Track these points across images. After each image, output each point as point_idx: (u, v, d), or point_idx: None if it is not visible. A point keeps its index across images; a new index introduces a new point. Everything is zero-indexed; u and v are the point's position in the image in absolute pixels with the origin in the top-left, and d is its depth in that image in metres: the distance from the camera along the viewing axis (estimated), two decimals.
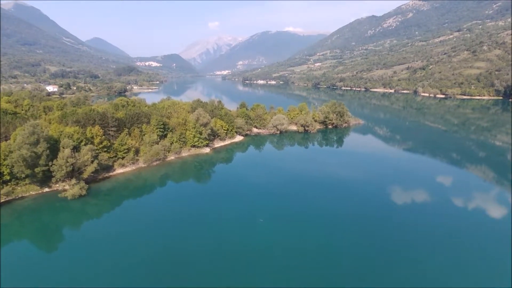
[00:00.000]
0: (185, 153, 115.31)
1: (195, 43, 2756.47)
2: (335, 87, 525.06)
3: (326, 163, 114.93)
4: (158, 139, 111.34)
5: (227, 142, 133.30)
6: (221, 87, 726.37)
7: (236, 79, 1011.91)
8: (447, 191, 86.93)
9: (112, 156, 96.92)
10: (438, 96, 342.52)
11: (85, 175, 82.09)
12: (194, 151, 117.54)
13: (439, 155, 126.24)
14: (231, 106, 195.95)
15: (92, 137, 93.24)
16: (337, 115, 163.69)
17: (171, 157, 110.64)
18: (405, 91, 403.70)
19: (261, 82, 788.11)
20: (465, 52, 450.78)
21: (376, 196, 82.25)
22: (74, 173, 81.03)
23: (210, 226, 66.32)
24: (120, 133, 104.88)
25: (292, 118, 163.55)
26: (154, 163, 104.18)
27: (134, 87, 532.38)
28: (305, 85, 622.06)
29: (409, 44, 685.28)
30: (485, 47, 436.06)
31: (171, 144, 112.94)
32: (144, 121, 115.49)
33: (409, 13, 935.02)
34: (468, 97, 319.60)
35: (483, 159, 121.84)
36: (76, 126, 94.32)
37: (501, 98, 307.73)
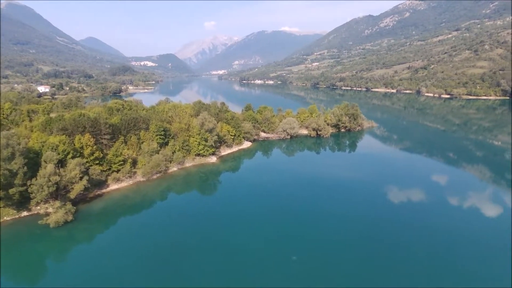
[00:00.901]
0: (189, 163, 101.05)
1: (191, 43, 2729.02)
2: (335, 87, 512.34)
3: (343, 170, 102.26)
4: (159, 148, 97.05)
5: (235, 149, 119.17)
6: (218, 87, 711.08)
7: (233, 79, 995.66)
8: (451, 190, 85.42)
9: (105, 169, 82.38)
10: (443, 96, 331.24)
11: (72, 195, 67.57)
12: (199, 160, 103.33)
13: (452, 158, 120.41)
14: (233, 108, 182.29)
15: (82, 148, 78.68)
16: (350, 117, 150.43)
17: (174, 169, 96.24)
18: (407, 91, 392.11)
19: (258, 82, 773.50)
20: (466, 51, 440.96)
21: (386, 199, 79.58)
22: (59, 192, 66.55)
23: (219, 253, 53.14)
24: (114, 142, 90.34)
25: (302, 121, 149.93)
26: (154, 176, 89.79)
27: (130, 87, 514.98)
28: (304, 85, 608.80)
29: (408, 43, 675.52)
30: (486, 46, 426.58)
31: (173, 153, 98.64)
32: (142, 127, 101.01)
33: (406, 12, 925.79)
34: (474, 97, 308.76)
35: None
36: (63, 134, 79.64)
37: (508, 98, 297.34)
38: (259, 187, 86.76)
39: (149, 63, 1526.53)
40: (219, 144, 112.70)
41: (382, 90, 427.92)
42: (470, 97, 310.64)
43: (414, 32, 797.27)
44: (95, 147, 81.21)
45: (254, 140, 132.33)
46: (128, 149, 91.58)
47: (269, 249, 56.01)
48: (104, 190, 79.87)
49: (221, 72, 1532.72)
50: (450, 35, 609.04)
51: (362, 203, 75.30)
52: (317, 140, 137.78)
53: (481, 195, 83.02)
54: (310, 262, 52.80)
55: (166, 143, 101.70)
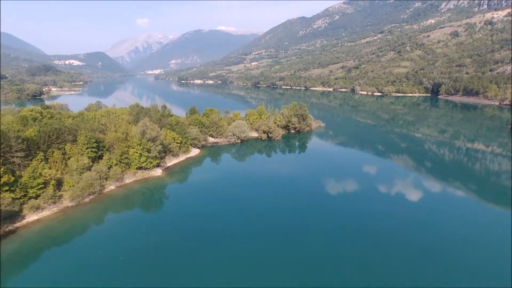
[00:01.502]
0: (129, 179, 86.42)
1: (122, 41, 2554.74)
2: (275, 86, 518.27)
3: (299, 172, 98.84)
4: (91, 163, 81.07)
5: (182, 158, 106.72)
6: (156, 87, 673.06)
7: (171, 79, 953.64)
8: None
9: (19, 197, 64.88)
10: (375, 94, 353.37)
11: None
12: (141, 174, 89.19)
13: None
14: (176, 111, 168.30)
15: None
16: (299, 118, 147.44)
17: (111, 187, 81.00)
18: (343, 90, 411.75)
19: (198, 81, 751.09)
20: (391, 52, 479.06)
21: (326, 191, 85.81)
22: None
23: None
24: (31, 160, 72.57)
25: (251, 124, 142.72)
26: (87, 199, 74.03)
27: (53, 89, 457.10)
28: (245, 84, 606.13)
29: (339, 44, 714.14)
30: (408, 48, 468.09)
31: (109, 168, 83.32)
32: (68, 139, 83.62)
33: (336, 15, 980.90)
34: (402, 94, 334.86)
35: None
36: None
37: (429, 95, 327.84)
38: (213, 201, 76.72)
39: (76, 62, 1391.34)
40: (163, 154, 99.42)
41: (320, 88, 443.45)
42: (399, 94, 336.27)
43: (344, 34, 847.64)
44: (2, 169, 63.30)
45: (202, 147, 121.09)
46: (50, 168, 74.41)
47: (227, 272, 46.98)
48: (18, 224, 62.49)
49: (157, 71, 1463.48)
50: (375, 37, 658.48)
51: (322, 202, 77.97)
52: (269, 143, 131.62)
53: (404, 181, 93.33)
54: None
55: (100, 157, 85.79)
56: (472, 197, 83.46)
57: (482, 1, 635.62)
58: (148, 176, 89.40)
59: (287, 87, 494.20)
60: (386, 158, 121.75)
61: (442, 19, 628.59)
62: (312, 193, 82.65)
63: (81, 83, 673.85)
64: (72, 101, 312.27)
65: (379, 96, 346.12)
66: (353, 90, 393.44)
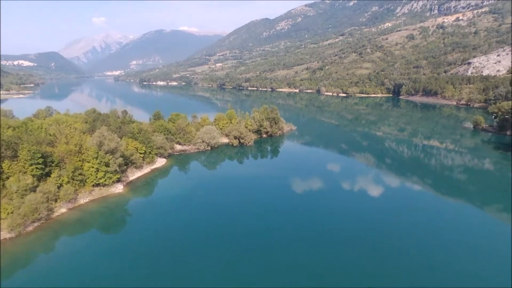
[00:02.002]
0: (84, 199, 74.57)
1: (78, 40, 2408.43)
2: (241, 88, 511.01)
3: (277, 181, 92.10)
4: (36, 183, 68.60)
5: (146, 170, 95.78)
6: (116, 89, 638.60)
7: (132, 80, 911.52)
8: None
9: None
10: (340, 95, 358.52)
11: None
12: (99, 192, 77.56)
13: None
14: (138, 116, 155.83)
15: None
16: (271, 122, 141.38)
17: (62, 210, 68.90)
18: (309, 91, 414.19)
19: (161, 83, 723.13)
20: (353, 54, 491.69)
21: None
22: None
23: None
24: None
25: (221, 129, 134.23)
26: (31, 227, 61.63)
27: None
28: (210, 85, 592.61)
29: (303, 46, 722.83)
30: (368, 50, 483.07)
31: (59, 187, 71.21)
32: (6, 155, 70.30)
33: (298, 17, 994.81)
34: (366, 95, 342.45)
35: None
36: None
37: (391, 95, 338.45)
38: (182, 217, 67.98)
39: (26, 63, 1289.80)
40: (125, 167, 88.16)
41: (286, 90, 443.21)
42: (362, 95, 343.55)
43: (306, 36, 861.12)
44: None
45: (169, 156, 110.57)
46: None
47: None
48: None
49: (117, 72, 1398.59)
50: (337, 39, 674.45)
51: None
52: (241, 149, 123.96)
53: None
54: None
55: (48, 174, 73.30)
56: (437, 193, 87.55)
57: (433, 6, 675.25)
58: (107, 193, 77.97)
59: (253, 88, 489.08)
60: (355, 159, 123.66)
61: (398, 22, 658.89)
62: (289, 197, 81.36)
63: (32, 85, 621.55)
64: (20, 106, 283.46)
65: (344, 97, 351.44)
66: (318, 91, 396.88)
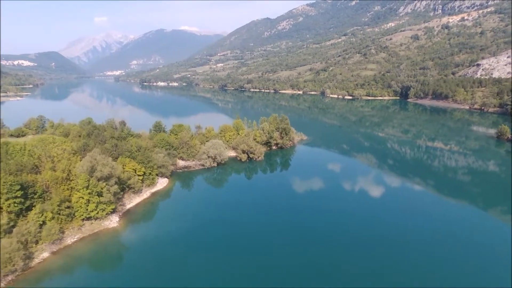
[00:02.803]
0: (72, 237, 62.28)
1: (79, 40, 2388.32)
2: (243, 89, 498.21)
3: (294, 203, 79.20)
4: (13, 222, 56.57)
5: (146, 194, 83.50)
6: (116, 90, 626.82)
7: (132, 81, 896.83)
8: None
9: None
10: (346, 97, 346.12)
11: None
12: (90, 227, 65.41)
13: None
14: (138, 123, 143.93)
15: None
16: (281, 133, 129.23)
17: (44, 254, 56.55)
18: (313, 92, 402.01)
19: (161, 84, 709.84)
20: (357, 54, 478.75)
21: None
22: None
23: None
24: None
25: (228, 141, 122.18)
26: (2, 283, 49.76)
27: None
28: (211, 86, 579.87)
29: (305, 46, 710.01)
30: (373, 51, 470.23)
31: (41, 225, 59.13)
32: None
33: (300, 17, 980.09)
34: (372, 98, 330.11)
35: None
36: None
37: (398, 98, 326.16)
38: (192, 258, 56.05)
39: (26, 63, 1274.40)
40: (121, 193, 76.18)
41: (289, 91, 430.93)
42: (369, 98, 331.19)
43: (308, 36, 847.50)
44: None
45: (171, 174, 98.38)
46: None
47: None
48: None
49: (117, 72, 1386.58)
50: (340, 39, 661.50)
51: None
52: (250, 165, 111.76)
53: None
54: None
55: (29, 208, 61.30)
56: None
57: (437, 6, 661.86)
58: (99, 229, 65.81)
59: (256, 90, 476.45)
60: (380, 177, 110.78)
61: (401, 22, 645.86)
62: (308, 225, 71.73)
63: (31, 86, 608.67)
64: (15, 109, 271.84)
65: (350, 99, 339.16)
66: (323, 93, 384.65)
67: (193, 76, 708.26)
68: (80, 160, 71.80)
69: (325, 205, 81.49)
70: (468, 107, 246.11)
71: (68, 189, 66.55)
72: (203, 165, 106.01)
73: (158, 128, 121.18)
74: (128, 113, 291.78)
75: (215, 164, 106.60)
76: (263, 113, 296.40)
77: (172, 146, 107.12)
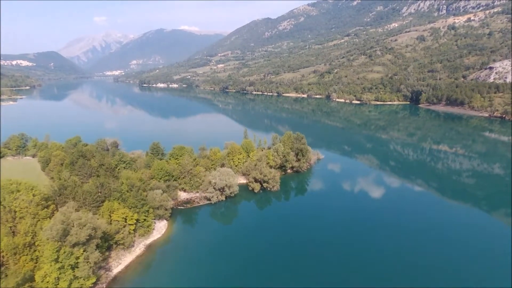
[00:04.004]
0: None
1: (78, 39, 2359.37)
2: (245, 92, 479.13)
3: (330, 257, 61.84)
4: None
5: (139, 249, 65.09)
6: (115, 92, 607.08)
7: (131, 81, 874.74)
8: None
9: None
10: (354, 102, 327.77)
11: None
12: None
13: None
14: (133, 142, 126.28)
15: None
16: (297, 154, 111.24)
17: None
18: (318, 96, 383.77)
19: (161, 85, 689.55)
20: (362, 56, 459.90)
21: None
22: None
23: None
24: None
25: (237, 166, 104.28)
26: None
27: None
28: (212, 88, 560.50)
29: (306, 47, 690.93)
30: (378, 52, 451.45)
31: None
32: None
33: (301, 17, 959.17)
34: (381, 102, 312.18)
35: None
36: None
37: (408, 103, 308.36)
38: None
39: (25, 63, 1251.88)
40: (108, 253, 58.22)
41: (293, 95, 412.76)
42: (378, 102, 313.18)
43: (309, 36, 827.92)
44: None
45: (171, 213, 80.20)
46: None
47: None
48: None
49: (117, 72, 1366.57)
50: (342, 40, 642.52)
51: None
52: (264, 196, 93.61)
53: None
54: None
55: None
56: None
57: (441, 6, 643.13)
58: None
59: (258, 92, 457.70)
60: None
61: (405, 23, 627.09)
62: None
63: (27, 87, 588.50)
64: (5, 116, 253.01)
65: (358, 104, 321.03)
66: (328, 97, 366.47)
67: (193, 77, 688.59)
68: (52, 215, 53.76)
69: (358, 251, 64.43)
70: (487, 115, 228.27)
71: (32, 259, 48.63)
72: (209, 200, 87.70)
73: (155, 150, 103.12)
74: (124, 121, 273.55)
75: (223, 198, 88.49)
76: (270, 120, 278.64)
77: (172, 176, 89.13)
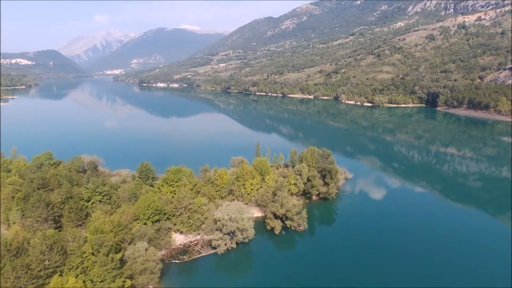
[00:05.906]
0: None
1: (79, 38, 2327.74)
2: (248, 92, 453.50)
3: None
4: None
5: None
6: (113, 92, 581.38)
7: (131, 81, 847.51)
8: None
9: None
10: (365, 104, 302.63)
11: None
12: None
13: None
14: (121, 158, 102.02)
15: None
16: (325, 177, 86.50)
17: None
18: (325, 97, 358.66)
19: (161, 85, 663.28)
20: (370, 56, 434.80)
21: None
22: None
23: None
24: None
25: (249, 194, 79.67)
26: None
27: None
28: (213, 89, 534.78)
29: (310, 46, 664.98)
30: (387, 52, 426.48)
31: None
32: None
33: (304, 16, 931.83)
34: (395, 105, 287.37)
35: None
36: None
37: (424, 105, 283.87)
38: None
39: (24, 61, 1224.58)
40: None
41: (299, 96, 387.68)
42: (391, 105, 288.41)
43: (312, 35, 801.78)
44: None
45: (161, 274, 55.49)
46: None
47: None
48: None
49: (117, 71, 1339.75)
50: (347, 39, 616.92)
51: None
52: (287, 239, 68.51)
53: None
54: None
55: None
56: None
57: (448, 5, 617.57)
58: None
59: (262, 93, 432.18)
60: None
61: (411, 22, 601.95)
62: None
63: (23, 87, 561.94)
64: None
65: (369, 107, 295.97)
66: (336, 98, 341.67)
67: (194, 77, 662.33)
68: None
69: None
70: None
71: None
72: (213, 245, 62.97)
73: (144, 174, 78.30)
74: (118, 120, 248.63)
75: (234, 245, 63.71)
76: (281, 124, 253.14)
77: (165, 214, 64.59)
